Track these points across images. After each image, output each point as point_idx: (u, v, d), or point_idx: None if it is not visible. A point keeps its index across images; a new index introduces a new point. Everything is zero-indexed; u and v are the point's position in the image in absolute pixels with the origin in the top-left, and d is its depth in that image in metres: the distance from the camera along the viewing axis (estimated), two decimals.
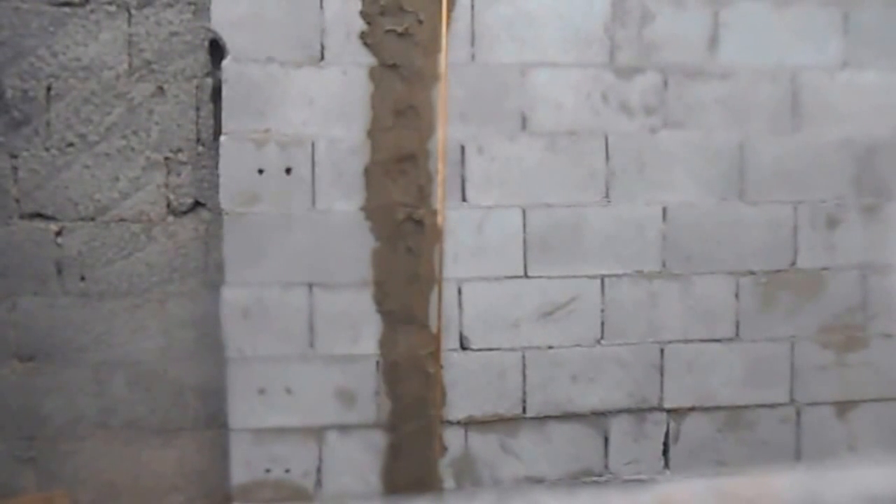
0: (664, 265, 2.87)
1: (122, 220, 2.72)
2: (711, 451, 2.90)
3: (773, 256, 2.92)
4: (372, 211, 2.71)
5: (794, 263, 2.93)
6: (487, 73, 2.75)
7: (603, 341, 2.84)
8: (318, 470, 2.73)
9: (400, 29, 2.70)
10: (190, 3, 2.71)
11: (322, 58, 2.68)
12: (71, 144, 2.69)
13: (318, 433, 2.72)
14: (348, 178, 2.70)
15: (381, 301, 2.73)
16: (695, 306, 2.88)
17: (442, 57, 2.72)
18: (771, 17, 2.88)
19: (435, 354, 2.75)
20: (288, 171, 2.67)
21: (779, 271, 2.92)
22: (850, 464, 2.92)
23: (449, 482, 2.78)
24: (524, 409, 2.81)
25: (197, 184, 2.75)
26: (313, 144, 2.68)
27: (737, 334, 2.91)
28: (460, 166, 2.76)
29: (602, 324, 2.84)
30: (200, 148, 2.74)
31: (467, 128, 2.75)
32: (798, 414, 2.95)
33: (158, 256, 2.74)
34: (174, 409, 2.77)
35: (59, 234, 2.70)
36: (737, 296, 2.90)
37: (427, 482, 2.76)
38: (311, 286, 2.70)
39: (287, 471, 2.71)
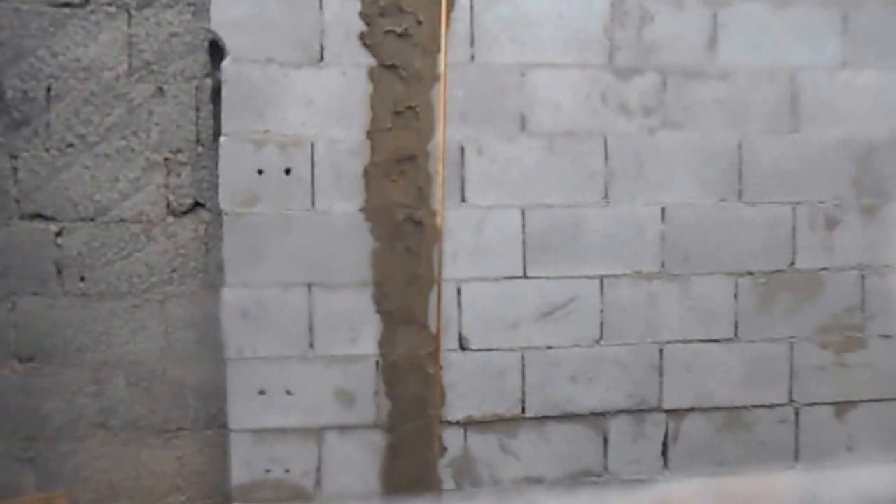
0: (663, 266, 2.87)
1: (121, 220, 2.73)
2: (710, 452, 2.90)
3: (771, 257, 2.92)
4: (371, 211, 2.72)
5: (792, 264, 2.94)
6: (487, 74, 2.76)
7: (602, 342, 2.85)
8: (318, 470, 2.73)
9: (399, 30, 2.70)
10: (190, 4, 2.72)
11: (321, 58, 2.68)
12: (71, 145, 2.69)
13: (317, 433, 2.73)
14: (348, 178, 2.70)
15: (380, 301, 2.73)
16: (694, 307, 2.88)
17: (441, 57, 2.72)
18: (770, 17, 2.88)
19: (434, 355, 2.76)
20: (287, 171, 2.68)
21: (777, 272, 2.93)
22: (849, 464, 2.92)
23: (448, 482, 2.78)
24: (523, 410, 2.82)
25: (197, 184, 2.75)
26: (313, 145, 2.69)
27: (735, 335, 2.91)
28: (460, 167, 2.76)
29: (601, 324, 2.84)
30: (200, 148, 2.75)
31: (467, 128, 2.75)
32: (797, 414, 2.95)
33: (158, 257, 2.75)
34: (174, 410, 2.77)
35: (59, 234, 2.70)
36: (735, 296, 2.91)
37: (426, 482, 2.76)
38: (310, 287, 2.70)
39: (287, 471, 2.71)
